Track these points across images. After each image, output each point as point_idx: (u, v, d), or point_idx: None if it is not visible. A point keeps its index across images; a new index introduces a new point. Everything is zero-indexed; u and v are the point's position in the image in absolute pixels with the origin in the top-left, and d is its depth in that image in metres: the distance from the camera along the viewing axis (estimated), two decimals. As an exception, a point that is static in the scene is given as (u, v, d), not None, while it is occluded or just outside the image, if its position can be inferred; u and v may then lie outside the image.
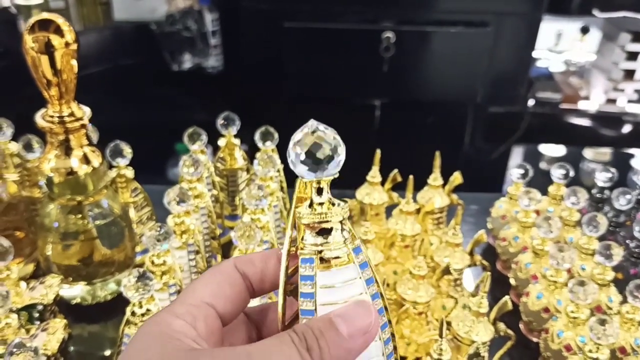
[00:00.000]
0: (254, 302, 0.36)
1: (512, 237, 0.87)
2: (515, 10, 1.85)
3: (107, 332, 0.81)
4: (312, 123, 0.30)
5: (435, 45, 1.86)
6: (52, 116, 0.71)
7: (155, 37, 2.21)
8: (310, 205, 0.30)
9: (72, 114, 0.71)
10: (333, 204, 0.30)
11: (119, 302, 0.82)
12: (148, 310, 0.63)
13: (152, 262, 0.69)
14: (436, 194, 0.88)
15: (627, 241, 0.86)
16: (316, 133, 0.29)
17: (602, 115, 2.10)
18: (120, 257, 0.82)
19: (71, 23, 0.69)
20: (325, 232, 0.30)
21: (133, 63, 2.16)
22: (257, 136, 0.89)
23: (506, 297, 0.69)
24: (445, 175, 0.89)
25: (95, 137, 0.83)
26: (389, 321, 0.32)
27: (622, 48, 1.99)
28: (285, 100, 1.90)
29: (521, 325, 0.81)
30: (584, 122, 2.12)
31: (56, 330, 0.67)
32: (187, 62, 2.27)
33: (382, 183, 0.89)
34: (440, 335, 0.60)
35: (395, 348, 0.32)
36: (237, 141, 0.94)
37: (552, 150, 2.17)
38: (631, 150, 2.10)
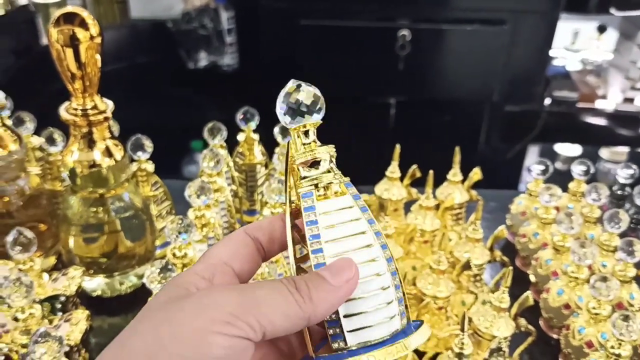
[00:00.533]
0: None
1: (532, 234, 0.87)
2: (533, 9, 1.84)
3: (127, 324, 0.81)
4: (293, 81, 0.35)
5: (452, 44, 1.85)
6: (75, 109, 0.71)
7: (171, 35, 2.22)
8: (302, 146, 0.35)
9: (95, 107, 0.72)
10: (319, 145, 0.35)
11: (140, 295, 0.83)
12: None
13: (174, 255, 0.69)
14: (455, 189, 0.88)
15: (649, 238, 0.86)
16: (299, 87, 0.35)
17: (619, 115, 2.08)
18: (141, 251, 0.82)
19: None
20: (316, 164, 0.34)
21: (149, 61, 2.18)
22: (276, 130, 0.89)
23: (527, 293, 0.69)
24: (462, 173, 0.89)
25: (116, 130, 0.84)
26: (388, 250, 0.35)
27: (640, 47, 1.97)
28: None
29: (541, 322, 0.80)
30: (601, 121, 2.10)
31: (79, 321, 0.68)
32: (203, 60, 2.27)
33: (401, 179, 0.89)
34: (462, 330, 0.60)
35: (401, 282, 0.35)
36: (256, 136, 0.94)
37: (568, 149, 2.15)
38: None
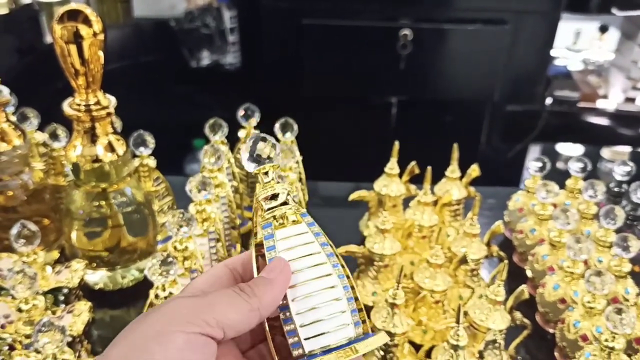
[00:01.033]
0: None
1: (529, 230, 0.88)
2: (534, 9, 1.84)
3: (129, 317, 0.83)
4: (255, 135, 0.41)
5: (453, 43, 1.86)
6: (79, 104, 0.73)
7: (174, 34, 2.24)
8: (262, 185, 0.40)
9: (98, 103, 0.73)
10: (277, 182, 0.41)
11: (141, 288, 0.84)
12: (170, 293, 0.64)
13: (175, 248, 0.70)
14: (454, 186, 0.89)
15: (645, 235, 0.87)
16: (259, 141, 0.40)
17: (621, 114, 2.08)
18: (143, 245, 0.84)
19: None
20: (274, 198, 0.40)
21: (152, 59, 2.19)
22: (277, 127, 0.90)
23: (523, 286, 0.70)
24: (462, 172, 0.90)
25: (119, 126, 0.85)
26: (343, 266, 0.40)
27: (642, 47, 1.98)
28: (303, 98, 1.91)
29: (537, 317, 0.81)
30: (602, 121, 2.10)
31: (81, 313, 0.69)
32: (206, 58, 2.29)
33: (400, 175, 0.90)
34: (457, 322, 0.61)
35: (356, 299, 0.39)
36: (256, 133, 0.95)
37: (569, 149, 2.16)
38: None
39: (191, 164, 2.25)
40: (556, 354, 0.75)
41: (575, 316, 0.72)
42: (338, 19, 1.85)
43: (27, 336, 0.66)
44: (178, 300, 0.36)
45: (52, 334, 0.57)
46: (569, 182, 0.91)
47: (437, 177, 0.90)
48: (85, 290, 0.80)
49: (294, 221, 0.39)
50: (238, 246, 0.89)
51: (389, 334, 0.66)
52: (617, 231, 0.78)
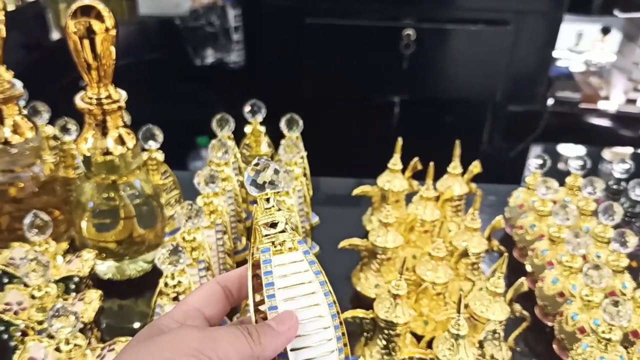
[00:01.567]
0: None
1: (529, 225, 0.90)
2: (536, 9, 1.86)
3: (136, 307, 0.84)
4: (258, 159, 0.42)
5: (456, 43, 1.87)
6: (90, 98, 0.75)
7: (179, 32, 2.25)
8: (263, 210, 0.42)
9: (109, 97, 0.75)
10: (277, 209, 0.42)
11: (149, 279, 0.86)
12: (179, 282, 0.66)
13: (183, 239, 0.72)
14: (455, 182, 0.91)
15: (643, 231, 0.88)
16: (262, 167, 0.41)
17: (622, 116, 2.10)
18: (151, 237, 0.85)
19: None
20: (274, 225, 0.41)
21: (157, 57, 2.21)
22: (282, 123, 0.92)
23: (522, 279, 0.71)
24: (463, 170, 0.92)
25: (128, 120, 0.87)
26: (331, 292, 0.42)
27: (643, 48, 1.99)
28: (306, 96, 1.92)
29: (536, 310, 0.83)
30: (604, 122, 2.12)
31: (92, 300, 0.70)
32: (210, 57, 2.30)
33: (403, 171, 0.92)
34: (458, 311, 0.63)
35: (341, 323, 0.42)
36: (262, 128, 0.97)
37: (570, 150, 2.17)
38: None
39: (194, 161, 2.26)
40: (554, 346, 0.77)
41: (574, 309, 0.74)
42: (341, 18, 1.86)
43: (40, 322, 0.68)
44: (187, 330, 0.38)
45: (65, 319, 0.58)
46: (568, 179, 0.93)
47: (439, 174, 0.92)
48: (94, 280, 0.81)
49: (290, 248, 0.41)
50: (243, 239, 0.91)
51: (391, 323, 0.68)
52: (615, 227, 0.80)
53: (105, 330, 0.79)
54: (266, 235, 0.41)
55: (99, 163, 0.78)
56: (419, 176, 0.94)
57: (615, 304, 0.63)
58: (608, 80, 2.19)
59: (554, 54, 1.97)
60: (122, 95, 0.77)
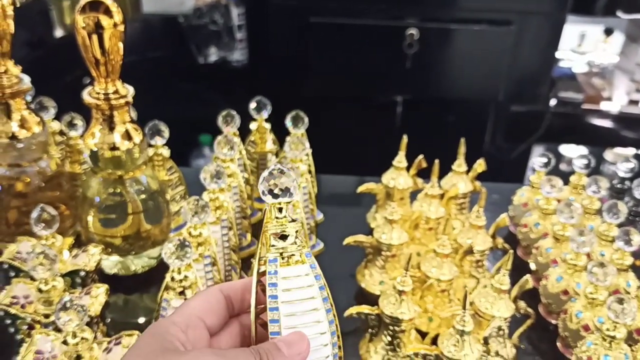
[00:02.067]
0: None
1: (533, 224, 0.90)
2: (539, 10, 1.86)
3: (141, 302, 0.85)
4: (274, 165, 0.41)
5: (459, 43, 1.88)
6: (98, 93, 0.75)
7: (182, 30, 2.26)
8: (275, 220, 0.41)
9: (116, 92, 0.75)
10: (289, 220, 0.41)
11: (154, 274, 0.86)
12: (186, 276, 0.66)
13: (190, 234, 0.73)
14: (460, 180, 0.91)
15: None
16: (278, 173, 0.40)
17: (624, 117, 2.10)
18: (156, 233, 0.86)
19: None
20: (284, 238, 0.41)
21: (160, 55, 2.21)
22: (288, 120, 0.92)
23: (527, 276, 0.72)
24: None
25: (134, 115, 0.87)
26: (334, 315, 0.42)
27: (646, 50, 2.00)
28: (309, 95, 1.93)
29: (540, 308, 0.83)
30: (606, 123, 2.12)
31: (99, 294, 0.71)
32: (213, 55, 2.31)
33: (407, 169, 0.92)
34: (464, 307, 0.63)
35: (338, 337, 0.43)
36: (268, 125, 0.97)
37: (572, 150, 2.17)
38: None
39: (197, 159, 2.27)
40: (558, 343, 0.77)
41: (578, 307, 0.74)
42: (345, 17, 1.87)
43: (46, 316, 0.68)
44: (208, 356, 0.38)
45: (73, 312, 0.59)
46: (572, 178, 0.93)
47: (442, 173, 0.92)
48: (100, 275, 0.82)
49: (297, 261, 0.41)
50: (248, 235, 0.91)
51: (396, 319, 0.69)
52: (620, 226, 0.80)
53: (110, 324, 0.79)
54: (275, 247, 0.41)
55: (106, 158, 0.78)
56: (423, 174, 0.94)
57: (620, 301, 0.64)
58: (611, 82, 2.19)
59: (557, 54, 1.97)
60: (129, 90, 0.77)
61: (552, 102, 2.08)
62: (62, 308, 0.59)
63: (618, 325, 0.65)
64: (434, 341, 0.71)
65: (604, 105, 2.11)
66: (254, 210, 0.99)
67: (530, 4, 1.85)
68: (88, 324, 0.67)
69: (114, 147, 0.77)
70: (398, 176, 0.91)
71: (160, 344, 0.38)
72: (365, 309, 0.71)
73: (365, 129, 1.97)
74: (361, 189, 0.95)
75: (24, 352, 0.63)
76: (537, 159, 0.93)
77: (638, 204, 0.91)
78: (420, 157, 0.91)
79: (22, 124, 0.81)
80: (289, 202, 0.41)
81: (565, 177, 0.94)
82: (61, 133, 0.93)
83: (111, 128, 0.77)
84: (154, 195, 0.83)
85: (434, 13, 1.87)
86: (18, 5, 0.82)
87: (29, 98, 0.89)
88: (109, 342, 0.65)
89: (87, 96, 0.76)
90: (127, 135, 0.78)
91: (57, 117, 0.94)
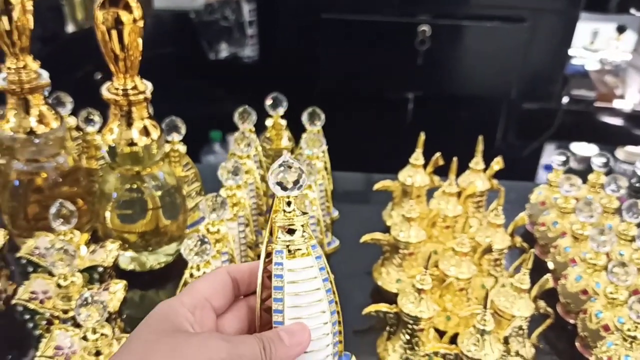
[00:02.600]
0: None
1: (551, 223, 0.89)
2: (552, 7, 1.85)
3: (157, 298, 0.85)
4: (285, 157, 0.41)
5: (471, 40, 1.87)
6: (117, 88, 0.75)
7: (193, 26, 2.25)
8: (283, 213, 0.41)
9: (135, 87, 0.75)
10: (298, 214, 0.41)
11: (171, 270, 0.86)
12: (205, 273, 0.66)
13: (208, 230, 0.72)
14: (477, 177, 0.91)
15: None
16: (286, 165, 0.40)
17: (637, 115, 2.08)
18: (173, 229, 0.86)
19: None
20: (291, 232, 0.41)
21: (171, 51, 2.21)
22: (304, 117, 0.92)
23: (547, 275, 0.71)
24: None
25: (150, 111, 0.87)
26: (336, 302, 0.43)
27: (660, 47, 1.98)
28: (319, 92, 1.92)
29: (558, 307, 0.83)
30: (618, 121, 2.10)
31: (117, 290, 0.71)
32: (224, 51, 2.30)
33: (424, 166, 0.92)
34: (485, 307, 0.63)
35: (340, 323, 0.44)
36: (283, 122, 0.97)
37: (584, 149, 2.16)
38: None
39: (207, 155, 2.26)
40: (577, 343, 0.77)
41: (598, 307, 0.73)
42: (356, 13, 1.86)
43: (65, 312, 0.68)
44: (217, 340, 0.39)
45: (93, 308, 0.59)
46: (591, 177, 0.92)
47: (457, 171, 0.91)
48: (116, 271, 0.82)
49: (303, 254, 0.41)
50: (264, 232, 0.91)
51: (416, 318, 0.68)
52: (639, 226, 0.79)
53: (126, 320, 0.79)
54: (282, 240, 0.41)
55: (124, 154, 0.78)
56: (438, 171, 0.94)
57: (643, 302, 0.63)
58: (623, 79, 2.17)
59: (570, 52, 1.96)
60: (147, 86, 0.77)
61: (565, 99, 2.06)
62: (83, 304, 0.58)
63: (639, 326, 0.64)
64: (452, 340, 0.71)
65: (616, 103, 2.09)
66: (269, 207, 0.98)
67: (544, 1, 1.83)
68: (106, 320, 0.67)
69: (132, 143, 0.77)
70: (415, 173, 0.91)
71: (171, 324, 0.39)
72: (383, 307, 0.71)
73: (375, 125, 1.96)
74: (377, 186, 0.94)
75: (44, 348, 0.63)
76: (555, 157, 0.93)
77: (657, 203, 0.90)
78: (438, 154, 0.90)
79: (40, 120, 0.81)
80: (297, 197, 0.42)
81: (576, 175, 0.93)
82: (77, 128, 0.93)
83: (129, 124, 0.77)
84: (170, 191, 0.83)
85: (446, 9, 1.86)
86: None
87: (45, 93, 0.89)
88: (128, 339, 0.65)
89: (105, 92, 0.76)
90: (145, 131, 0.78)
91: (72, 113, 0.94)
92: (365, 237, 0.82)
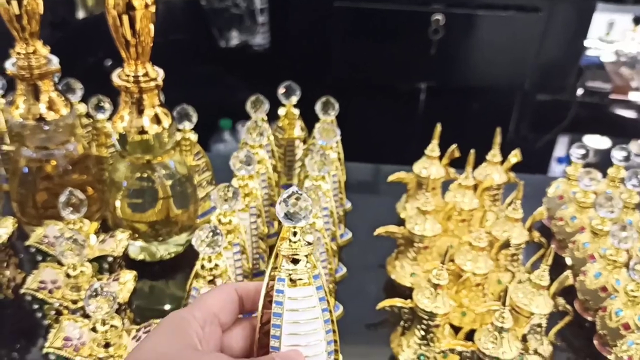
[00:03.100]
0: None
1: (570, 217, 0.87)
2: (569, -3, 1.82)
3: (167, 289, 0.84)
4: (293, 188, 0.41)
5: (485, 29, 1.84)
6: (128, 75, 0.73)
7: (204, 13, 2.23)
8: (288, 242, 0.42)
9: (146, 74, 0.74)
10: (302, 245, 0.42)
11: (181, 261, 0.85)
12: (216, 265, 0.65)
13: (219, 221, 0.71)
14: (494, 170, 0.89)
15: (687, 227, 0.85)
16: (293, 198, 0.41)
17: (652, 108, 2.05)
18: (184, 218, 0.84)
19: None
20: (295, 261, 0.42)
21: (182, 38, 2.19)
22: (318, 106, 0.90)
23: (567, 272, 0.69)
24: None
25: (162, 98, 0.85)
26: (334, 331, 0.44)
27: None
28: (330, 81, 1.90)
29: (576, 304, 0.81)
30: (633, 114, 2.07)
31: (127, 281, 0.70)
32: (235, 39, 2.28)
33: (439, 158, 0.90)
34: (503, 304, 0.61)
35: (336, 351, 0.44)
36: (296, 111, 0.95)
37: (597, 142, 2.13)
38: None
39: (216, 143, 2.25)
40: (595, 341, 0.75)
41: (618, 304, 0.71)
42: (370, 2, 1.83)
43: (74, 302, 0.67)
44: (218, 358, 0.40)
45: (103, 299, 0.57)
46: (610, 171, 0.90)
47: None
48: (126, 261, 0.80)
49: (304, 283, 0.42)
50: (276, 223, 0.90)
51: (431, 314, 0.67)
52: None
53: (135, 311, 0.78)
54: (285, 268, 0.42)
55: (134, 142, 0.76)
56: (453, 163, 0.92)
57: (666, 300, 0.61)
58: (639, 71, 2.14)
59: (585, 43, 1.93)
60: (159, 73, 0.75)
61: (579, 91, 2.03)
62: (92, 295, 0.57)
63: (662, 325, 0.63)
64: (468, 337, 0.69)
65: (632, 96, 2.06)
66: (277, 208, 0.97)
67: (559, -9, 1.80)
68: (116, 311, 0.66)
69: (142, 131, 0.76)
70: (430, 165, 0.89)
71: (183, 338, 0.40)
72: (398, 302, 0.69)
73: (387, 116, 1.94)
74: (392, 178, 0.92)
75: (52, 338, 0.62)
76: (575, 150, 0.90)
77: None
78: (454, 146, 0.88)
79: (50, 106, 0.79)
80: (302, 228, 0.42)
81: (590, 168, 0.91)
82: (87, 115, 0.92)
83: (140, 111, 0.75)
84: (181, 180, 0.82)
85: (461, -2, 1.83)
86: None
87: (55, 80, 0.88)
88: (137, 330, 0.64)
89: (116, 78, 0.74)
90: (156, 119, 0.76)
91: (82, 100, 0.93)
92: (380, 230, 0.81)
